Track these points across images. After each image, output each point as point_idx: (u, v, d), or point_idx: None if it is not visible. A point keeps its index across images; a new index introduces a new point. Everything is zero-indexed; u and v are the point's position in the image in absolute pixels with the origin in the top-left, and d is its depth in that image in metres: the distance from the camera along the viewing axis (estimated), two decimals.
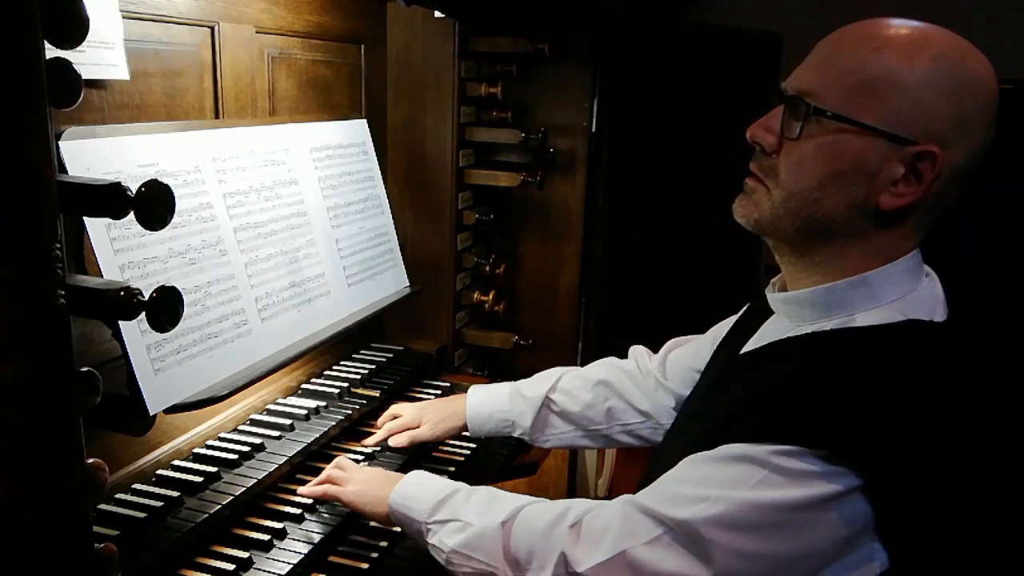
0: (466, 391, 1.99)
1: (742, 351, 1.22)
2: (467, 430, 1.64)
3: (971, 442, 0.99)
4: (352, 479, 1.39)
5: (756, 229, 1.11)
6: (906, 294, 1.05)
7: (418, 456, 1.66)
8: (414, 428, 1.64)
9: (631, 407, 1.57)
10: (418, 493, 1.26)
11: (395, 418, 1.69)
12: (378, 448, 1.65)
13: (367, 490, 1.35)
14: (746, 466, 0.93)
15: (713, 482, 0.96)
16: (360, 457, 1.61)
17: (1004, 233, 2.82)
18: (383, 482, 1.34)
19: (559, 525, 1.09)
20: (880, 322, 1.02)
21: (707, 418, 1.12)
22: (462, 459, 1.68)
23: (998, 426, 1.07)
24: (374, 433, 1.68)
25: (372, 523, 1.39)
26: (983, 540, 1.07)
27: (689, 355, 1.51)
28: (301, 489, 1.42)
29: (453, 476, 1.58)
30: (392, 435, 1.65)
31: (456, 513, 1.19)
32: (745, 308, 1.38)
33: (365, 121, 1.97)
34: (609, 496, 2.19)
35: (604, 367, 1.64)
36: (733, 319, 1.40)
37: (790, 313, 1.14)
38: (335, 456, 1.60)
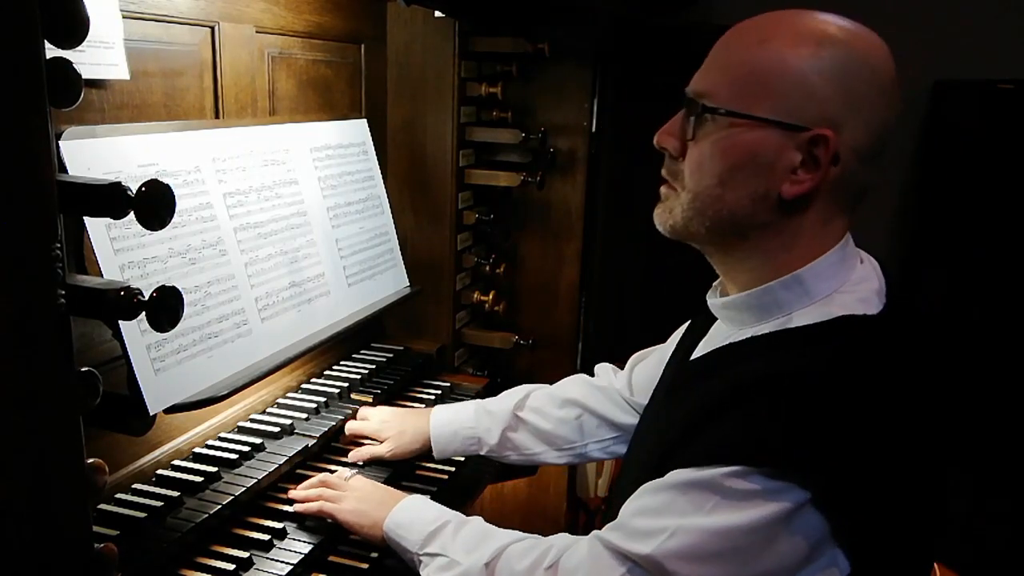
0: (466, 390, 2.00)
1: (692, 357, 1.22)
2: (430, 450, 1.60)
3: (918, 438, 0.97)
4: (346, 496, 1.37)
5: (672, 234, 1.11)
6: (840, 285, 1.04)
7: (405, 468, 1.62)
8: (376, 442, 1.61)
9: (605, 422, 1.56)
10: (411, 522, 1.27)
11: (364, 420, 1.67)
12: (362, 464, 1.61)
13: (364, 510, 1.34)
14: (698, 493, 0.93)
15: (670, 512, 0.95)
16: (360, 463, 1.60)
17: (1006, 232, 2.82)
18: (378, 503, 1.34)
19: (538, 567, 1.10)
20: (814, 321, 1.01)
21: (662, 430, 1.12)
22: (454, 469, 1.64)
23: (946, 415, 1.05)
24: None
25: None
26: (942, 533, 1.06)
27: (652, 366, 1.49)
28: (297, 506, 1.39)
29: (446, 487, 1.59)
30: (355, 436, 1.63)
31: (445, 548, 1.20)
32: (700, 311, 1.34)
33: (365, 121, 1.97)
34: (609, 496, 2.20)
35: (574, 384, 1.62)
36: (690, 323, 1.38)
37: (730, 318, 1.13)
38: (335, 457, 1.61)
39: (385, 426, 1.62)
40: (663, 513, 0.96)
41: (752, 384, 0.96)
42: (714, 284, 1.21)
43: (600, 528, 1.08)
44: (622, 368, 1.63)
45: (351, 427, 1.65)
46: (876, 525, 0.91)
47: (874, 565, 0.94)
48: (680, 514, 0.94)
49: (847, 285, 1.04)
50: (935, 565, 1.46)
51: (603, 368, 1.66)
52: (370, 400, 1.77)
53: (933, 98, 3.11)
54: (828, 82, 0.97)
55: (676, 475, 0.97)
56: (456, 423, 1.60)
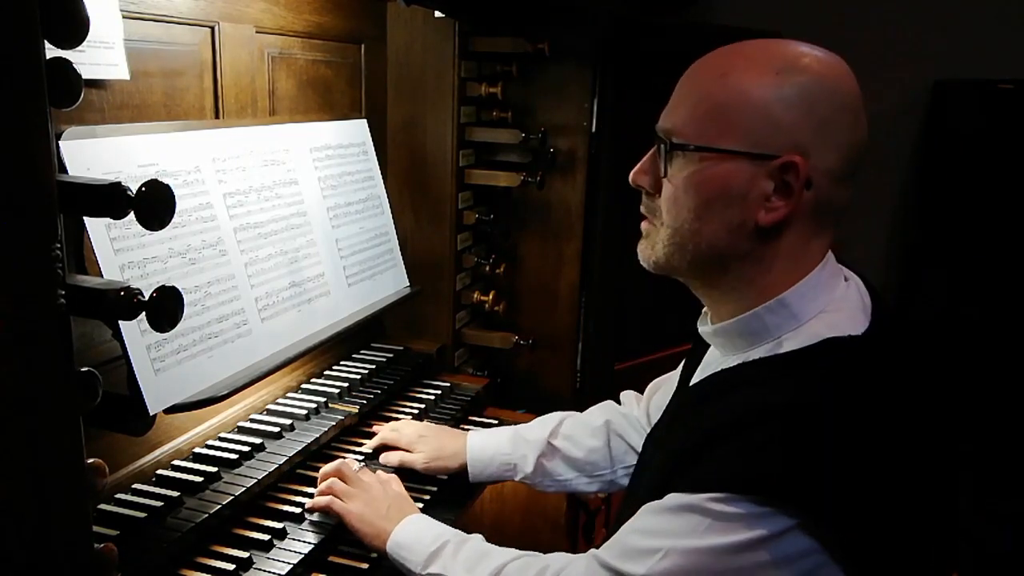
0: (466, 390, 2.00)
1: (691, 383, 1.24)
2: (463, 472, 1.60)
3: (909, 454, 0.98)
4: (356, 496, 1.39)
5: (656, 270, 1.13)
6: (826, 305, 1.05)
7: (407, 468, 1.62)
8: (408, 452, 1.62)
9: (632, 449, 1.57)
10: (413, 542, 1.29)
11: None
12: (373, 457, 1.63)
13: (370, 518, 1.35)
14: (691, 516, 0.95)
15: (665, 533, 0.98)
16: (360, 458, 1.61)
17: (1006, 232, 2.82)
18: (385, 510, 1.36)
19: None
20: (802, 344, 1.02)
21: (664, 455, 1.14)
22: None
23: (939, 425, 1.06)
24: (373, 434, 1.67)
25: None
26: (943, 546, 1.06)
27: (664, 394, 1.49)
28: (308, 503, 1.41)
29: (446, 487, 1.60)
30: (384, 444, 1.64)
31: (446, 568, 1.23)
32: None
33: (365, 121, 1.97)
34: (608, 498, 2.20)
35: (603, 411, 1.63)
36: None
37: (722, 345, 1.14)
38: (335, 456, 1.61)
39: (421, 441, 1.63)
40: (658, 534, 0.98)
41: (740, 416, 0.97)
42: (703, 310, 1.21)
43: (598, 528, 1.08)
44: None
45: (382, 436, 1.65)
46: (874, 545, 0.92)
47: None
48: (674, 536, 0.96)
49: (832, 304, 1.05)
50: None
51: (627, 396, 1.67)
52: (378, 393, 1.78)
53: (933, 98, 3.11)
54: (792, 109, 0.98)
55: (672, 498, 0.99)
56: (492, 448, 1.60)
